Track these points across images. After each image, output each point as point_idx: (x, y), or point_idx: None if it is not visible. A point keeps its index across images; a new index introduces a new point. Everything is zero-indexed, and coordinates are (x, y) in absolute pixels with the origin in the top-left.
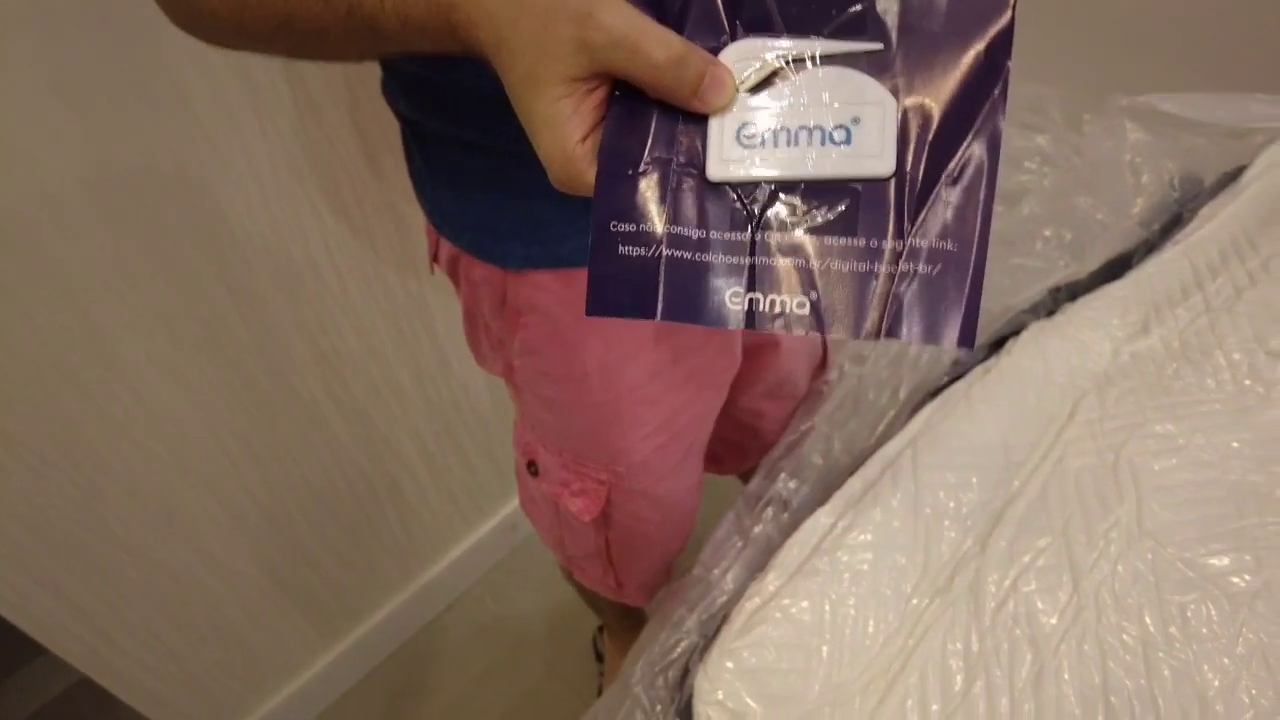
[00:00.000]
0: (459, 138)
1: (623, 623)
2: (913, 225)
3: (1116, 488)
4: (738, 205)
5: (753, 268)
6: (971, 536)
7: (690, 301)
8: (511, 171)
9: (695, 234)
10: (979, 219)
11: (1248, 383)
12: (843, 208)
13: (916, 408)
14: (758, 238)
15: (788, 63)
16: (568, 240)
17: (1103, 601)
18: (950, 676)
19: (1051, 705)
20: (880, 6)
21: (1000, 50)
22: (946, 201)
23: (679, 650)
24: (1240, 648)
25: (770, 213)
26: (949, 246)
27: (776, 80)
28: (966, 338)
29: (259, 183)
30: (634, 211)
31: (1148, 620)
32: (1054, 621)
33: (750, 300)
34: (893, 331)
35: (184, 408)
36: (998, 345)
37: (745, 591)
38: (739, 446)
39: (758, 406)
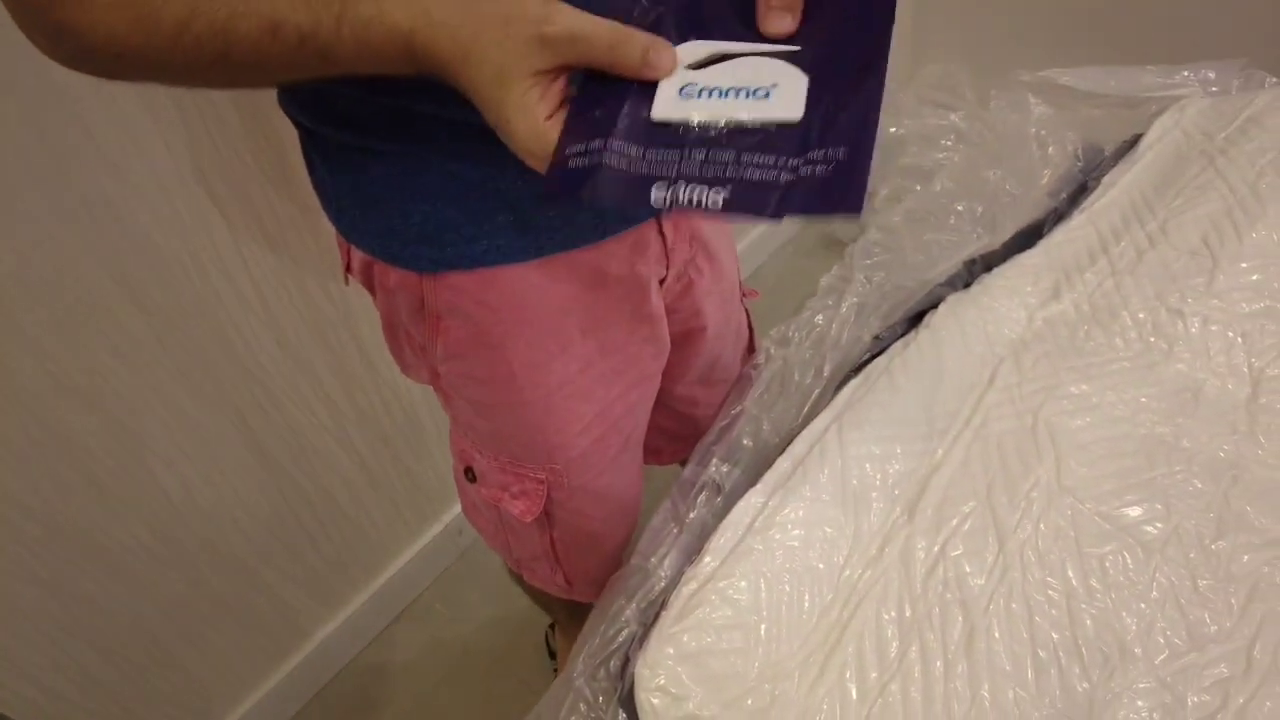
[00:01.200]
0: (360, 145)
1: (574, 619)
2: (814, 149)
3: (1036, 448)
4: (672, 134)
5: (678, 171)
6: (899, 506)
7: (618, 188)
8: (416, 176)
9: (632, 150)
10: (865, 133)
11: (1152, 339)
12: (758, 139)
13: (840, 385)
14: (685, 153)
15: (725, 56)
16: (480, 240)
17: (1027, 559)
18: (885, 644)
19: (983, 663)
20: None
21: (881, 50)
22: (840, 128)
23: (619, 640)
24: (1154, 592)
25: (698, 138)
26: (842, 152)
27: (716, 64)
28: (856, 205)
29: (166, 198)
30: (585, 140)
31: (1070, 574)
32: (981, 583)
33: (671, 191)
34: (785, 208)
35: (100, 435)
36: (916, 319)
37: (682, 576)
38: (677, 436)
39: (692, 394)
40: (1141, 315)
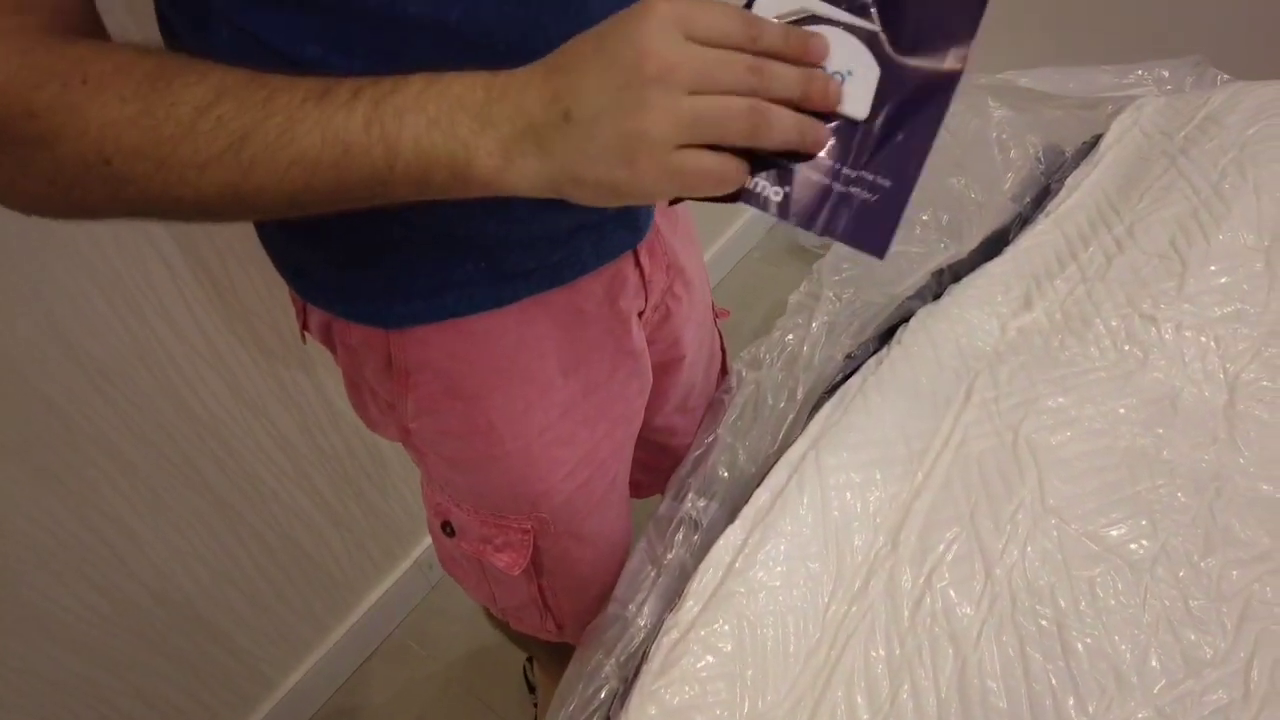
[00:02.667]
0: None
1: (554, 657)
2: (868, 160)
3: (1018, 467)
4: None
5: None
6: (882, 535)
7: None
8: (377, 228)
9: None
10: (912, 173)
11: (1126, 347)
12: (835, 134)
13: (815, 407)
14: None
15: (812, 18)
16: (449, 290)
17: (1015, 586)
18: (876, 684)
19: (977, 700)
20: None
21: (954, 74)
22: (891, 153)
23: (600, 699)
24: (1146, 616)
25: None
26: (886, 183)
27: (806, 25)
28: (881, 250)
29: (95, 245)
30: None
31: (1060, 600)
32: (970, 612)
33: (753, 181)
34: (829, 231)
35: (46, 498)
36: (888, 335)
37: (662, 625)
38: (655, 468)
39: (670, 424)
40: (1115, 323)
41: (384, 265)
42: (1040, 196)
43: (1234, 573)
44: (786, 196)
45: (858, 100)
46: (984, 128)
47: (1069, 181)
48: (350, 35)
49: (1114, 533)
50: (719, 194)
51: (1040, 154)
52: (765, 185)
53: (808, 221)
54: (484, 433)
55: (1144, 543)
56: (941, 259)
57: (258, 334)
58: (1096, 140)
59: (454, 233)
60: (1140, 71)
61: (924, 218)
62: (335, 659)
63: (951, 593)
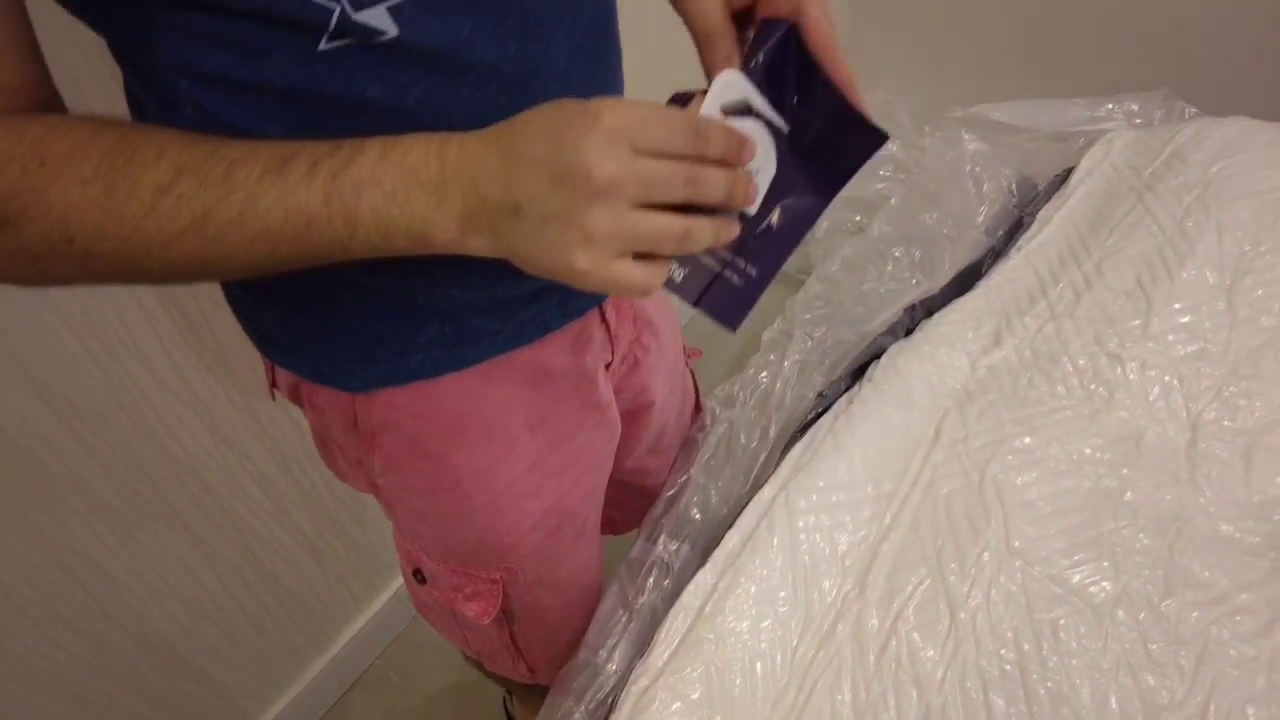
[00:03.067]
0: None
1: (532, 691)
2: (744, 248)
3: (984, 508)
4: None
5: None
6: (850, 578)
7: None
8: (341, 294)
9: None
10: (775, 267)
11: (1093, 386)
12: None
13: (787, 446)
14: None
15: (749, 109)
16: (413, 354)
17: (980, 629)
18: None
19: None
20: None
21: (844, 177)
22: (764, 246)
23: None
24: (1106, 660)
25: None
26: (753, 273)
27: (738, 116)
28: (734, 326)
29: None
30: None
31: (1023, 644)
32: (934, 656)
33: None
34: (698, 304)
35: (17, 540)
36: (860, 372)
37: (632, 672)
38: (630, 507)
39: (642, 465)
40: (1082, 361)
41: (348, 331)
42: (1013, 229)
43: (1193, 614)
44: (685, 277)
45: (756, 195)
46: (958, 160)
47: (1041, 215)
48: (311, 117)
49: (1076, 576)
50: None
51: (1013, 186)
52: (673, 265)
53: (690, 297)
54: (450, 489)
55: (1106, 585)
56: (914, 294)
57: (233, 370)
58: (1068, 173)
59: (416, 300)
60: (1110, 105)
61: (896, 253)
62: (316, 691)
63: (916, 636)
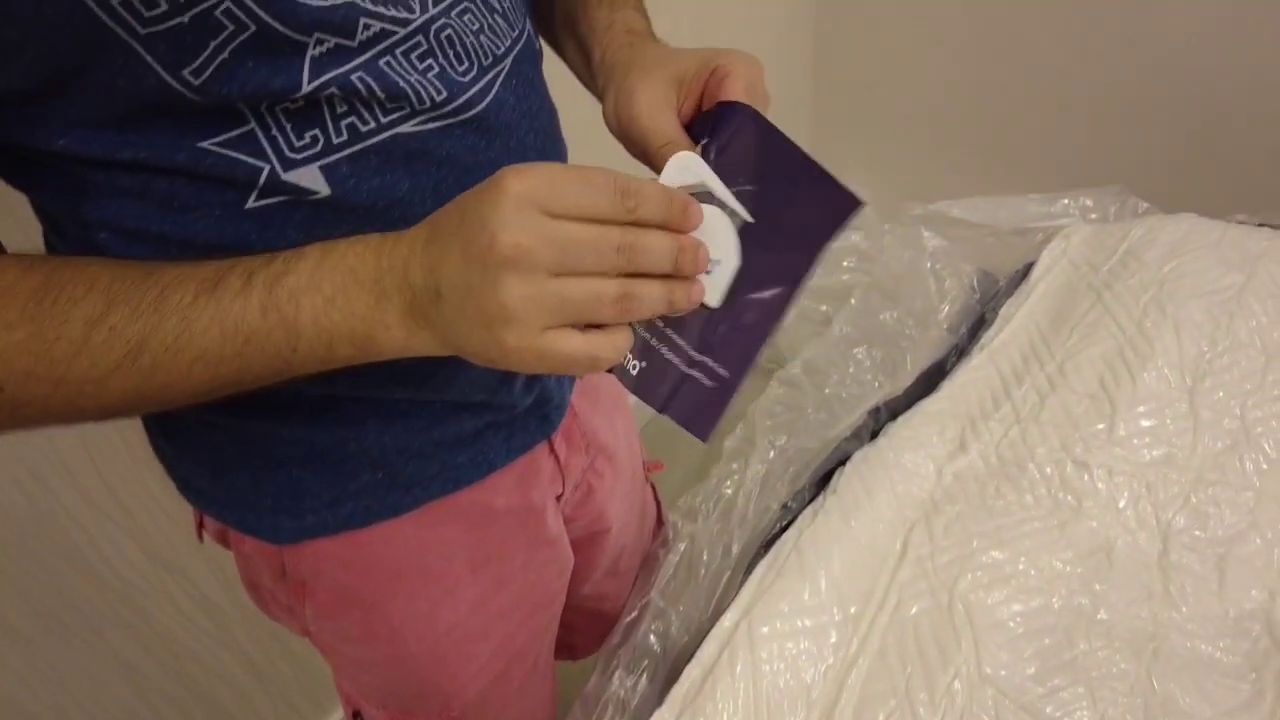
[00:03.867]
0: (200, 419)
1: None
2: (711, 347)
3: (954, 631)
4: None
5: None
6: (816, 712)
7: None
8: (266, 444)
9: None
10: (746, 365)
11: (1061, 495)
12: (686, 316)
13: (751, 564)
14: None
15: (708, 194)
16: (344, 503)
17: None
18: None
19: None
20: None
21: (800, 277)
22: (732, 344)
23: None
24: None
25: None
26: (724, 373)
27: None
28: (705, 435)
29: None
30: None
31: None
32: None
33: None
34: (665, 410)
35: None
36: (825, 479)
37: None
38: (589, 631)
39: (599, 590)
40: (1049, 469)
41: (274, 481)
42: (975, 326)
43: None
44: (643, 372)
45: (716, 289)
46: (918, 258)
47: (1003, 312)
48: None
49: (1049, 707)
50: (593, 371)
51: (975, 281)
52: (629, 356)
53: (655, 400)
54: (386, 638)
55: (1083, 714)
56: (877, 397)
57: (170, 489)
58: (1029, 268)
59: (345, 449)
60: (1066, 200)
61: (858, 354)
62: None
63: None
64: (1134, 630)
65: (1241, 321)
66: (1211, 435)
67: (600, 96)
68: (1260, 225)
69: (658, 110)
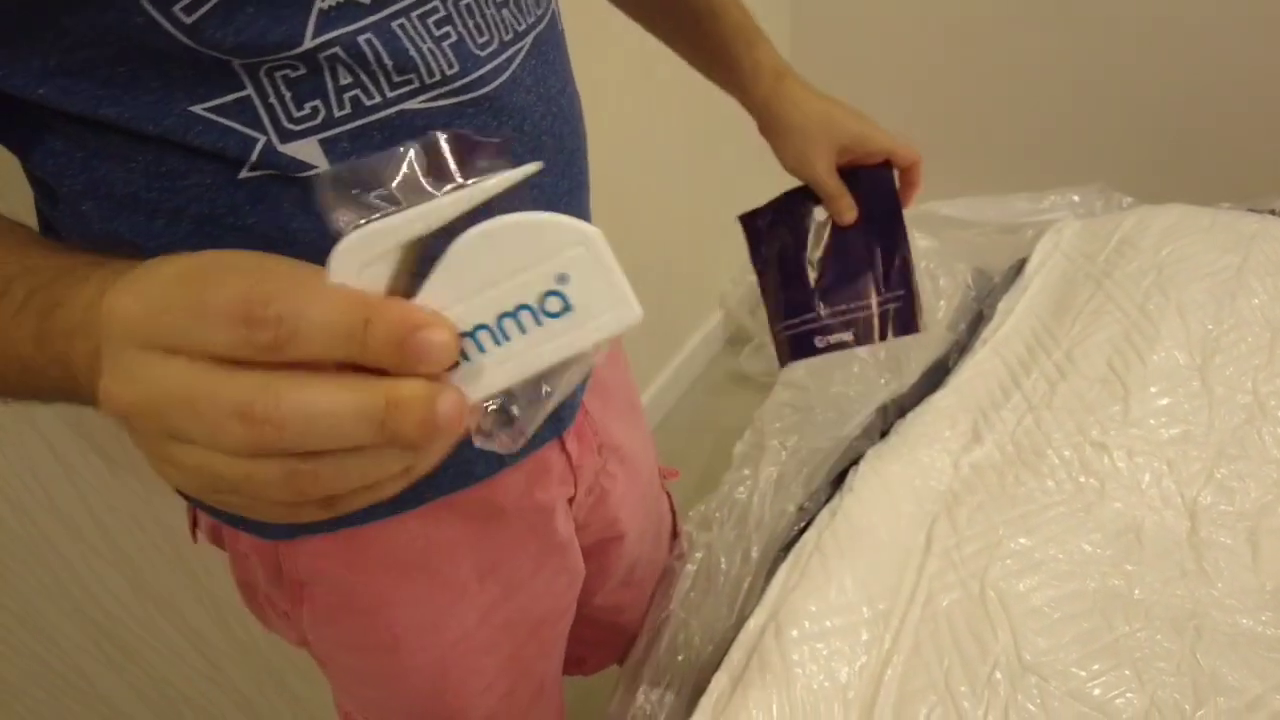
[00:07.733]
0: None
1: None
2: (887, 290)
3: (988, 620)
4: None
5: (820, 324)
6: (854, 712)
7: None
8: None
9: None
10: (911, 275)
11: (1082, 478)
12: (856, 286)
13: (772, 569)
14: (818, 307)
15: (425, 237)
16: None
17: None
18: None
19: None
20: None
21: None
22: (895, 274)
23: None
24: None
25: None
26: (903, 292)
27: (429, 268)
28: (917, 327)
29: None
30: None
31: None
32: None
33: (824, 339)
34: (884, 336)
35: None
36: (839, 479)
37: None
38: (602, 644)
39: (615, 601)
40: (1067, 453)
41: None
42: (974, 322)
43: None
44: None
45: (609, 303)
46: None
47: (1001, 306)
48: (233, 247)
49: (1097, 690)
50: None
51: (970, 280)
52: (838, 334)
53: (868, 339)
54: (388, 647)
55: (1131, 696)
56: (884, 395)
57: (160, 517)
58: (1022, 264)
59: None
60: (1053, 197)
61: (862, 355)
62: None
63: None
64: (1172, 609)
65: (1244, 300)
66: (1227, 410)
67: (747, 107)
68: (1248, 211)
69: (832, 174)
